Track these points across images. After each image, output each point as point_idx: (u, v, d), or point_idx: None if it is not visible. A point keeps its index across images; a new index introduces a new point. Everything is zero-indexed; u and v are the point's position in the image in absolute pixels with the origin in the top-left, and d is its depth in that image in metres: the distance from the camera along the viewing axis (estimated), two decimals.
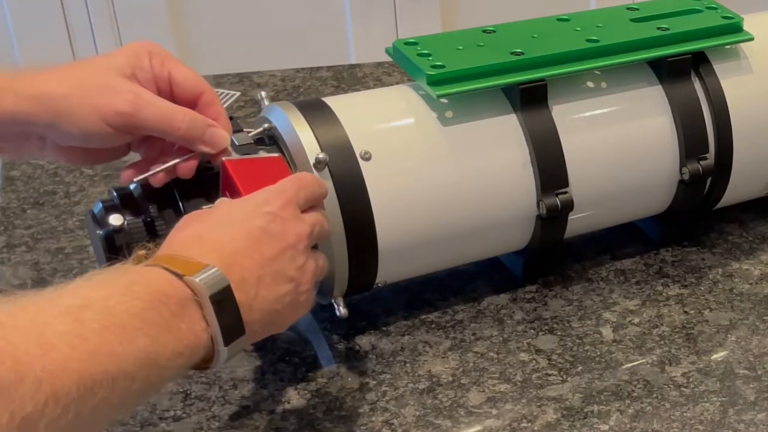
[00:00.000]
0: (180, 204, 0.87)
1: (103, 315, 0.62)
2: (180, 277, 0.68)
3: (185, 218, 0.76)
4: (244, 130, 0.91)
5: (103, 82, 0.82)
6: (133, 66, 0.84)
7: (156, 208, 0.87)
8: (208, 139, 0.84)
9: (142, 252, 0.73)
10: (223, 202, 0.78)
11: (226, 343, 0.69)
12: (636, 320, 0.96)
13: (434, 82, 0.92)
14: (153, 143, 0.87)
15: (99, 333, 0.61)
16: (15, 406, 0.55)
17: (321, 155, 0.85)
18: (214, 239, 0.73)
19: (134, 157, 0.89)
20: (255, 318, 0.72)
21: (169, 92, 0.85)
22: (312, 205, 0.80)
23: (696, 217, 1.06)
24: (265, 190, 0.78)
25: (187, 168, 0.85)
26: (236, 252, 0.72)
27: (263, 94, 0.97)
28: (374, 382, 0.90)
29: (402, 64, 0.97)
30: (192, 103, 0.86)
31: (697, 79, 1.00)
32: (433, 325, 0.96)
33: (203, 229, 0.74)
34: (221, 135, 0.85)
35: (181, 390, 0.89)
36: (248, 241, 0.74)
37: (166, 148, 0.87)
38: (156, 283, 0.67)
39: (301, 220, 0.77)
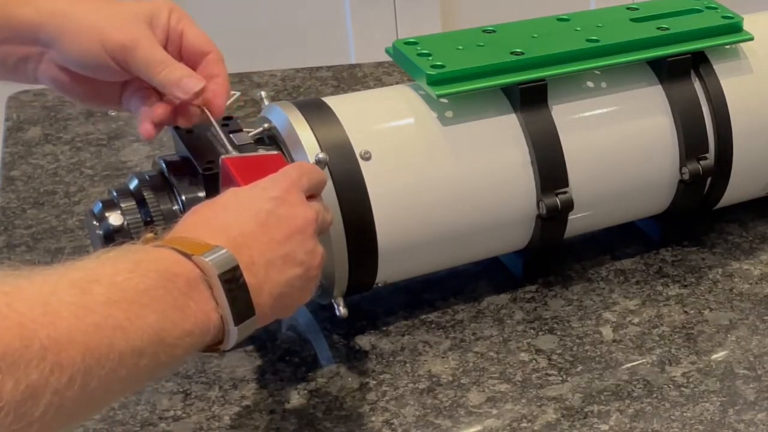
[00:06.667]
0: (180, 204, 0.88)
1: (110, 290, 0.62)
2: (188, 257, 0.68)
3: (193, 208, 0.76)
4: (244, 130, 0.91)
5: (118, 15, 0.87)
6: (151, 16, 0.88)
7: (156, 207, 0.87)
8: (182, 85, 0.87)
9: (150, 235, 0.73)
10: (229, 191, 0.78)
11: (237, 323, 0.69)
12: (636, 320, 0.96)
13: (434, 82, 0.92)
14: (142, 96, 0.89)
15: (106, 306, 0.61)
16: (20, 372, 0.55)
17: (321, 155, 0.85)
18: (222, 222, 0.73)
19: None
20: (265, 301, 0.72)
21: (179, 46, 0.89)
22: (313, 193, 0.80)
23: (696, 217, 1.06)
24: (269, 177, 0.78)
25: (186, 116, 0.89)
26: (245, 234, 0.73)
27: (263, 94, 0.97)
28: (374, 382, 0.90)
29: (402, 64, 0.97)
30: (197, 60, 0.90)
31: (697, 79, 1.00)
32: (433, 325, 0.96)
33: (211, 214, 0.75)
34: (193, 82, 0.87)
35: (181, 390, 0.89)
36: (256, 224, 0.74)
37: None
38: (164, 262, 0.67)
39: (307, 205, 0.78)
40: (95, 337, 0.59)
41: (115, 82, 0.89)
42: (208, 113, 0.88)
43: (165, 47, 0.88)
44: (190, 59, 0.89)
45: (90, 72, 0.87)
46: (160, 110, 0.88)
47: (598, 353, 0.93)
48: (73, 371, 0.58)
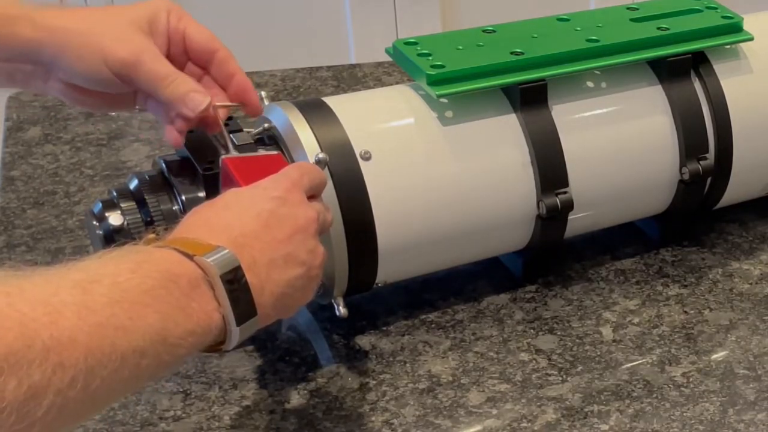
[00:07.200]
0: (180, 204, 0.88)
1: (112, 290, 0.62)
2: (190, 257, 0.68)
3: (195, 208, 0.76)
4: (244, 130, 0.91)
5: (116, 28, 0.86)
6: (150, 21, 0.87)
7: (156, 208, 0.87)
8: (188, 101, 0.86)
9: (152, 236, 0.73)
10: (230, 191, 0.78)
11: (239, 323, 0.69)
12: (636, 320, 0.96)
13: (434, 82, 0.92)
14: (157, 102, 0.89)
15: (108, 306, 0.61)
16: (23, 372, 0.55)
17: (321, 155, 0.85)
18: (224, 222, 0.73)
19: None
20: (266, 300, 0.72)
21: (183, 48, 0.89)
22: (314, 193, 0.80)
23: (696, 217, 1.06)
24: (270, 177, 0.78)
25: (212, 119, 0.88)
26: (246, 234, 0.73)
27: (263, 94, 0.97)
28: (374, 382, 0.90)
29: (402, 64, 0.97)
30: (206, 60, 0.89)
31: (697, 79, 1.00)
32: (433, 325, 0.96)
33: (212, 214, 0.75)
34: (199, 99, 0.86)
35: (181, 390, 0.89)
36: (258, 224, 0.74)
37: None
38: (166, 263, 0.67)
39: (308, 204, 0.78)
40: (97, 338, 0.59)
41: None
42: (219, 120, 0.89)
43: (168, 51, 0.88)
44: (198, 59, 0.89)
45: (97, 87, 0.87)
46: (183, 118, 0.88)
47: (598, 353, 0.93)
48: (76, 371, 0.58)
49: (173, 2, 0.89)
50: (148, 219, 0.87)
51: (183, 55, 0.89)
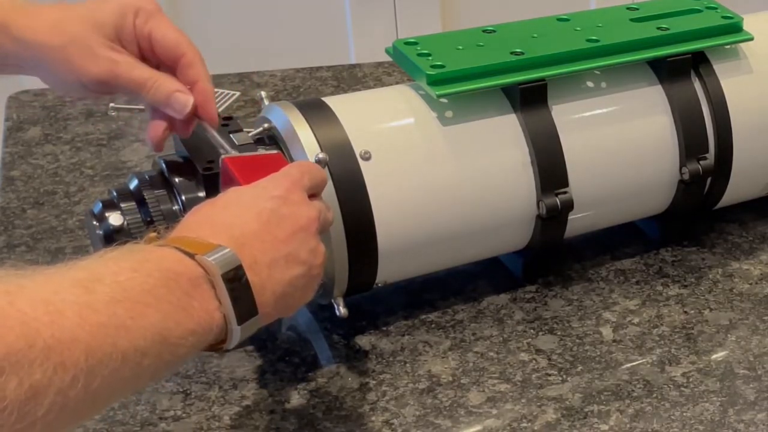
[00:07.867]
0: (180, 204, 0.88)
1: (113, 289, 0.62)
2: (192, 256, 0.68)
3: (195, 207, 0.76)
4: (244, 130, 0.91)
5: (87, 42, 0.86)
6: (118, 27, 0.87)
7: (156, 207, 0.87)
8: (172, 103, 0.87)
9: (153, 234, 0.73)
10: (231, 190, 0.78)
11: (240, 322, 0.70)
12: (636, 320, 0.96)
13: (434, 82, 0.92)
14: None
15: (109, 305, 0.61)
16: (24, 372, 0.55)
17: (321, 155, 0.85)
18: (225, 222, 0.73)
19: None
20: (268, 300, 0.72)
21: (152, 51, 0.88)
22: (315, 192, 0.80)
23: (696, 217, 1.06)
24: (271, 176, 0.78)
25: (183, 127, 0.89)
26: (247, 234, 0.73)
27: (263, 94, 0.97)
28: (374, 382, 0.90)
29: (402, 64, 0.97)
30: (173, 63, 0.88)
31: (697, 79, 1.00)
32: (433, 325, 0.96)
33: (213, 213, 0.75)
34: (183, 100, 0.87)
35: (181, 390, 0.89)
36: (259, 224, 0.74)
37: None
38: (167, 262, 0.67)
39: (309, 203, 0.78)
40: (98, 337, 0.59)
41: None
42: (204, 124, 0.88)
43: (140, 54, 0.88)
44: (166, 61, 0.88)
45: (78, 96, 0.89)
46: (158, 127, 0.89)
47: (598, 353, 0.93)
48: (77, 371, 0.58)
49: (142, 0, 0.88)
50: (148, 219, 0.87)
51: (154, 59, 0.89)
